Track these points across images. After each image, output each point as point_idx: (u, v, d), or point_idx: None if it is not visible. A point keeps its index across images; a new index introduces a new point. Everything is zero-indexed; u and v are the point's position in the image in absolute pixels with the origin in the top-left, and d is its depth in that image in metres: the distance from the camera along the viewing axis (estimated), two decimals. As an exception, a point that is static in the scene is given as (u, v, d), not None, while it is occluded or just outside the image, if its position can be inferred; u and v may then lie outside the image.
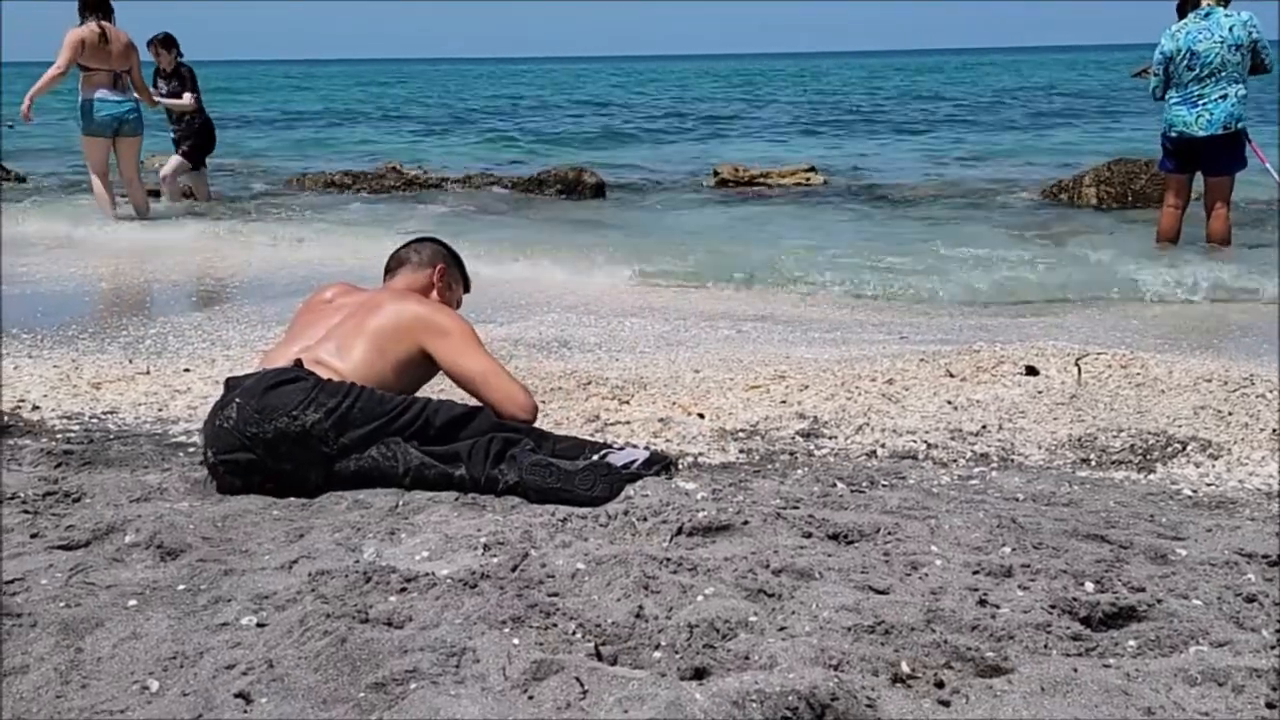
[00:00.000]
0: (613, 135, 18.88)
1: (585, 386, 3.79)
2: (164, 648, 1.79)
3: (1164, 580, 2.07)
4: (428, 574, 2.05)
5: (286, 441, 2.58)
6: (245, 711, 1.59)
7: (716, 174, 11.66)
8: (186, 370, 4.14)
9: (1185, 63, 6.51)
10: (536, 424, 2.91)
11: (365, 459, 2.62)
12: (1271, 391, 3.51)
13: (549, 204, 10.39)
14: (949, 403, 3.55)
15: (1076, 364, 3.92)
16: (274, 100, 33.86)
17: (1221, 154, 6.62)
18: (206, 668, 1.72)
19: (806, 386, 3.78)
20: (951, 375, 3.87)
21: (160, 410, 3.60)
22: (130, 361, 4.30)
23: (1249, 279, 5.98)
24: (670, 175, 12.65)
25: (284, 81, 52.55)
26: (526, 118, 24.19)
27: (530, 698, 1.61)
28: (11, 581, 2.08)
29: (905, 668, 1.70)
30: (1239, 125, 6.52)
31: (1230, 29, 6.45)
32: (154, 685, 1.68)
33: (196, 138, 9.44)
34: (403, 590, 2.00)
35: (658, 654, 1.77)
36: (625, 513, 2.37)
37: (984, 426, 3.32)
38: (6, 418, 3.38)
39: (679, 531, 2.30)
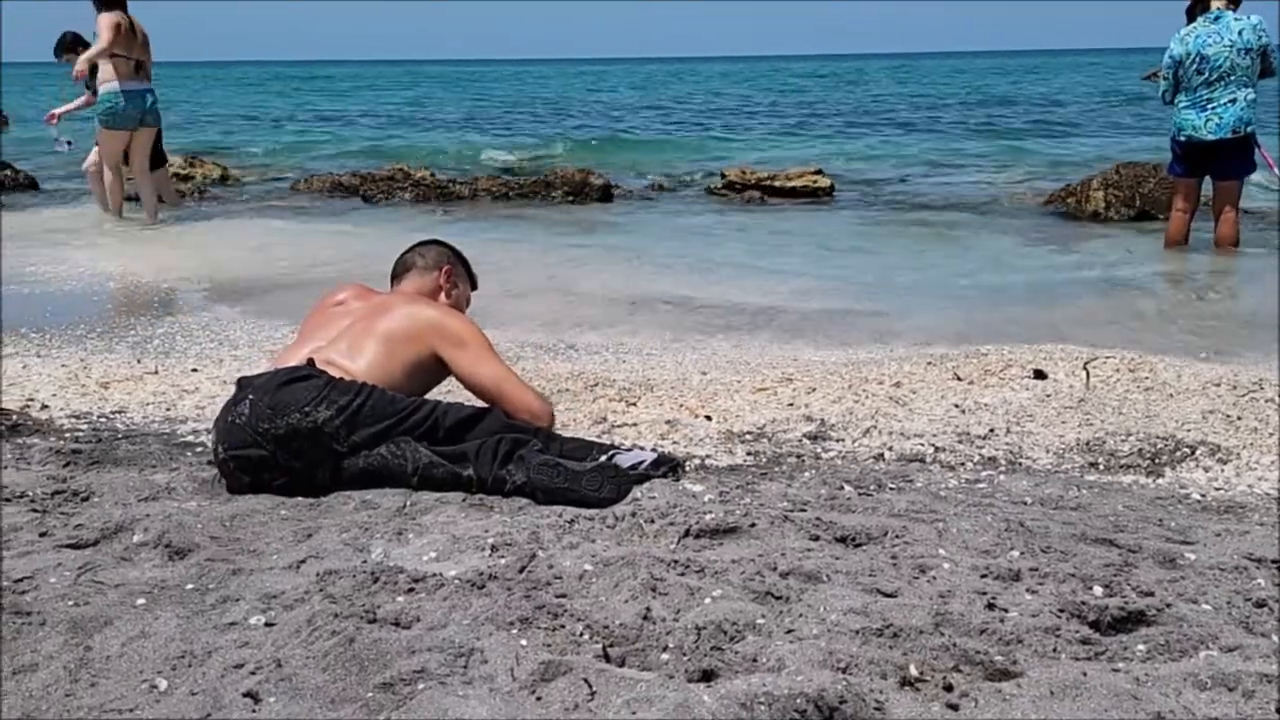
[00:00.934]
0: (616, 135, 18.89)
1: (592, 388, 3.79)
2: (172, 647, 1.79)
3: (1173, 585, 2.06)
4: (435, 574, 2.05)
5: (298, 438, 2.60)
6: (253, 711, 1.59)
7: (724, 176, 11.65)
8: (194, 370, 4.15)
9: (1194, 67, 6.50)
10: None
11: (374, 457, 2.63)
12: (1281, 396, 3.50)
13: (555, 206, 10.39)
14: (956, 406, 3.55)
15: (1085, 367, 3.91)
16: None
17: (1230, 158, 6.60)
18: (215, 667, 1.72)
19: (814, 389, 3.78)
20: (959, 378, 3.86)
21: (168, 410, 3.61)
22: (138, 361, 4.31)
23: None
24: (676, 177, 12.64)
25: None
26: (544, 118, 24.21)
27: (538, 699, 1.61)
28: (20, 580, 2.09)
29: (913, 671, 1.70)
30: (1248, 129, 6.50)
31: (1240, 33, 6.43)
32: (162, 684, 1.69)
33: None
34: (410, 590, 2.00)
35: (665, 656, 1.77)
36: (633, 514, 2.37)
37: (992, 430, 3.31)
38: (15, 416, 3.39)
39: (686, 533, 2.29)
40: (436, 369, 2.95)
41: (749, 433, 3.32)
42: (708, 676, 1.70)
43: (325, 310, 3.11)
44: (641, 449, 2.83)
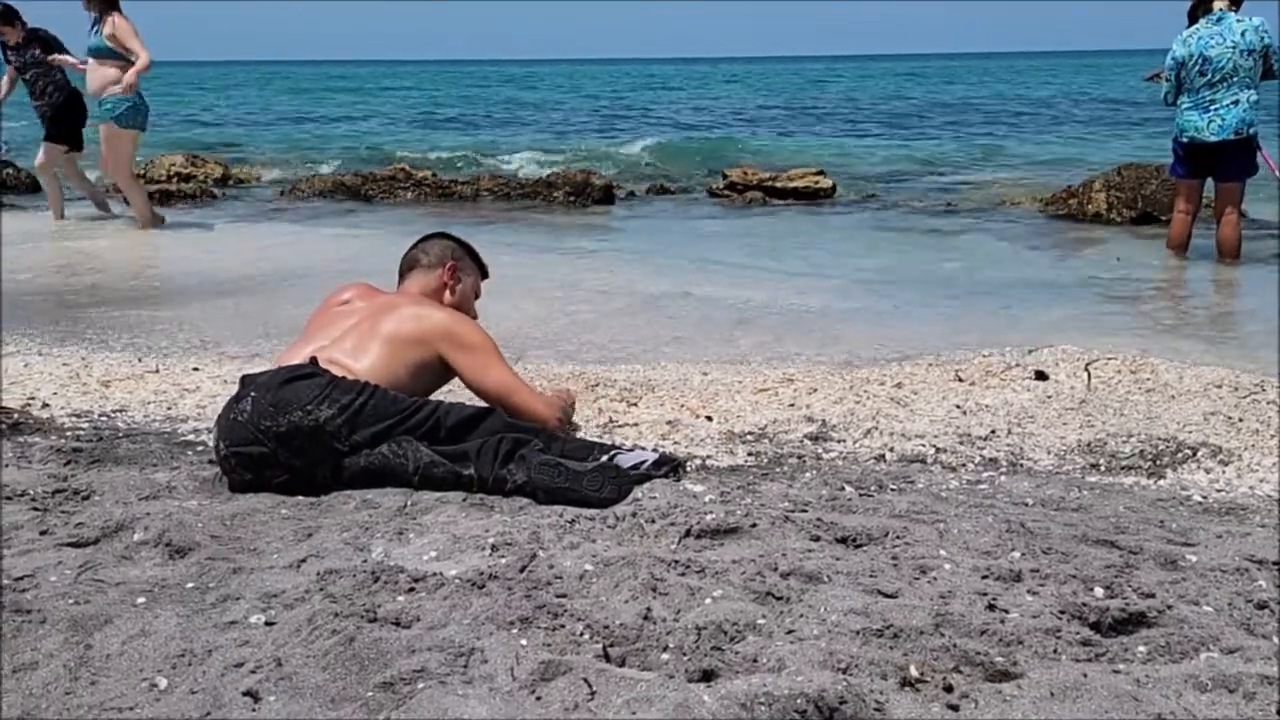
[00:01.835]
0: (620, 136, 18.89)
1: (593, 388, 3.79)
2: (172, 645, 1.79)
3: (1174, 586, 2.06)
4: (436, 574, 2.05)
5: (300, 436, 2.60)
6: (253, 710, 1.59)
7: (725, 177, 11.65)
8: (195, 369, 4.15)
9: (1197, 68, 6.49)
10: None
11: (375, 456, 2.63)
12: (1282, 398, 3.50)
13: (556, 206, 10.40)
14: (958, 407, 3.54)
15: (1086, 369, 3.91)
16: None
17: (1233, 159, 6.60)
18: (215, 666, 1.72)
19: (815, 390, 3.78)
20: (960, 379, 3.86)
21: (169, 409, 3.61)
22: (139, 360, 4.31)
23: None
24: (678, 177, 12.64)
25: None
26: (551, 118, 24.18)
27: (538, 698, 1.61)
28: (21, 578, 2.09)
29: (914, 672, 1.70)
30: (1250, 131, 6.49)
31: (1242, 34, 6.43)
32: (163, 682, 1.69)
33: (62, 111, 8.51)
34: (411, 590, 2.00)
35: (666, 656, 1.77)
36: (633, 514, 2.37)
37: (993, 431, 3.31)
38: (16, 415, 3.39)
39: (687, 534, 2.29)
40: (441, 371, 2.96)
41: (750, 433, 3.32)
42: (708, 676, 1.70)
43: (330, 309, 3.11)
44: (643, 449, 2.83)
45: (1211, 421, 3.34)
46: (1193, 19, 6.64)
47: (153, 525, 2.35)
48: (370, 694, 1.63)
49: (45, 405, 3.60)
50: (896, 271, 6.85)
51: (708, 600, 1.95)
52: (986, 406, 3.54)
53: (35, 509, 2.52)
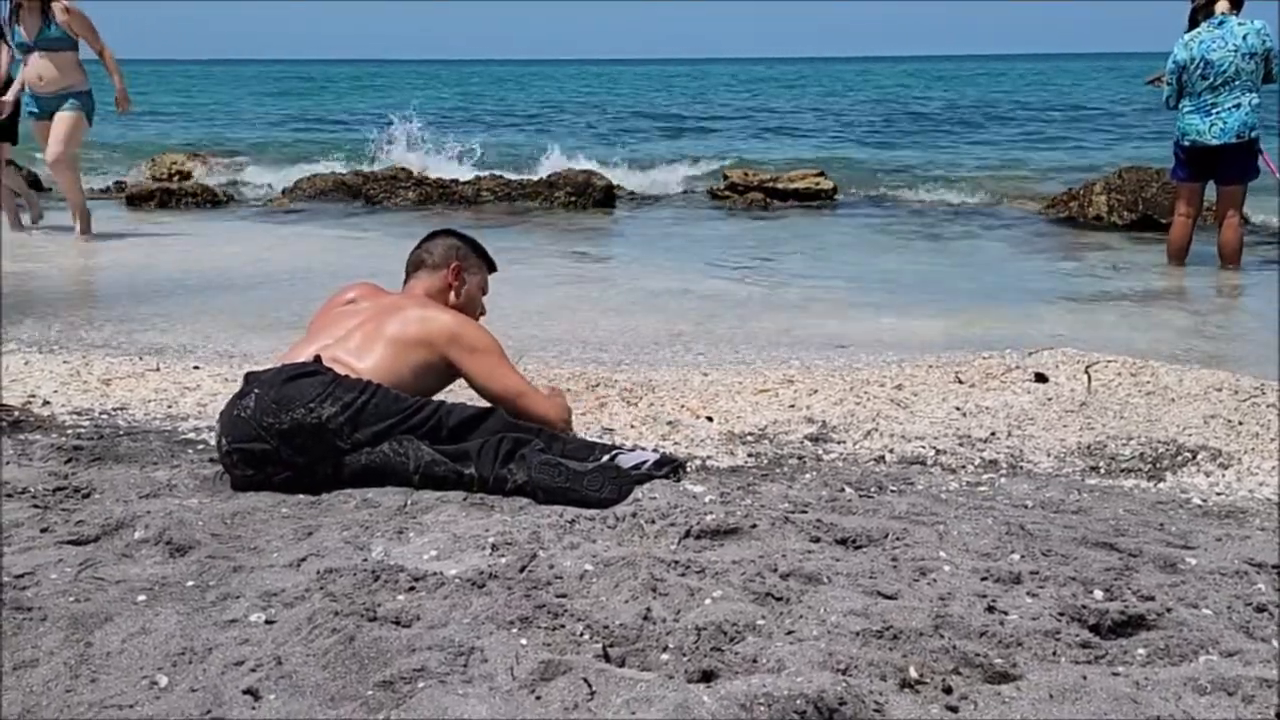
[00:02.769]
0: (623, 136, 18.90)
1: (594, 389, 3.79)
2: (173, 643, 1.79)
3: (1173, 589, 2.06)
4: (436, 573, 2.05)
5: (302, 433, 2.61)
6: (253, 708, 1.60)
7: (726, 177, 11.66)
8: (196, 368, 4.15)
9: (1199, 72, 6.49)
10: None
11: (376, 454, 2.64)
12: (1282, 401, 3.50)
13: (558, 207, 10.40)
14: (958, 409, 3.55)
15: (1086, 371, 3.91)
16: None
17: (1234, 163, 6.60)
18: (215, 664, 1.72)
19: (815, 391, 3.78)
20: (960, 381, 3.86)
21: (170, 407, 3.61)
22: (140, 358, 4.31)
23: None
24: (680, 178, 12.63)
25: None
26: (551, 119, 24.14)
27: (538, 698, 1.61)
28: (21, 576, 2.09)
29: (913, 673, 1.70)
30: (1252, 134, 6.50)
31: (1244, 37, 6.43)
32: (163, 680, 1.69)
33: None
34: (411, 589, 2.00)
35: (665, 656, 1.77)
36: (633, 515, 2.37)
37: (993, 433, 3.31)
38: (17, 412, 3.40)
39: (687, 534, 2.29)
40: (444, 373, 2.96)
41: (750, 434, 3.32)
42: (708, 677, 1.70)
43: (334, 308, 3.11)
44: (643, 449, 2.83)
45: (1211, 425, 3.34)
46: (1194, 22, 6.64)
47: (153, 523, 2.36)
48: (370, 693, 1.63)
49: (46, 403, 3.60)
50: (897, 273, 6.86)
51: (707, 601, 1.95)
52: (986, 408, 3.54)
53: (36, 506, 2.52)
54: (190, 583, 2.07)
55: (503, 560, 2.14)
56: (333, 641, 1.74)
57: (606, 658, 1.76)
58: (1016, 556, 2.20)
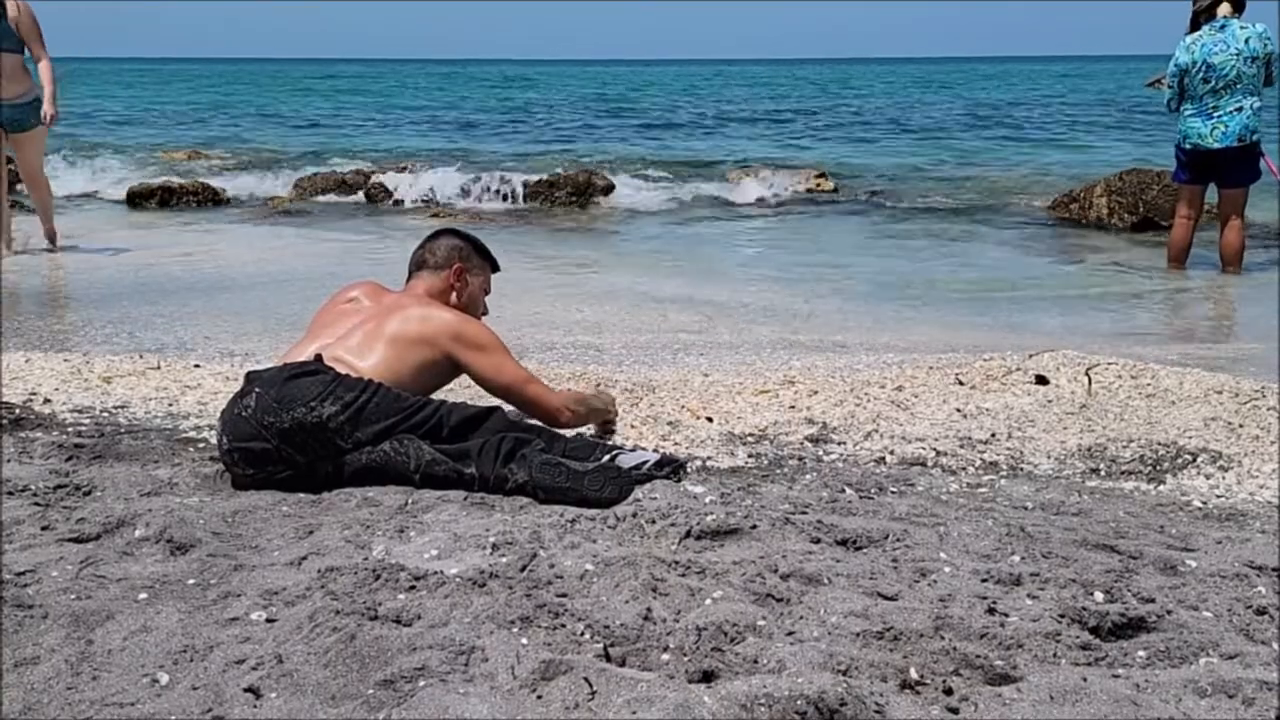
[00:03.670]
0: (623, 136, 18.91)
1: (595, 389, 3.79)
2: (174, 641, 1.80)
3: (1174, 591, 2.07)
4: (436, 572, 2.05)
5: (302, 432, 2.61)
6: (254, 706, 1.60)
7: (727, 178, 11.67)
8: (197, 366, 4.15)
9: (1201, 75, 6.49)
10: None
11: (377, 453, 2.64)
12: (1283, 404, 3.50)
13: (558, 208, 10.40)
14: (958, 410, 3.55)
15: (1087, 373, 3.91)
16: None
17: (1236, 166, 6.60)
18: (216, 662, 1.73)
19: (816, 392, 3.78)
20: (961, 383, 3.86)
21: (171, 405, 3.61)
22: (141, 356, 4.31)
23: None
24: (682, 177, 12.64)
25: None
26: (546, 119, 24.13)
27: (539, 697, 1.61)
28: (22, 574, 2.09)
29: (914, 674, 1.70)
30: (1254, 137, 6.50)
31: (1246, 41, 6.43)
32: (164, 678, 1.69)
33: None
34: (412, 588, 2.00)
35: (666, 656, 1.77)
36: (634, 515, 2.37)
37: (993, 435, 3.31)
38: (18, 410, 3.40)
39: (687, 534, 2.30)
40: (445, 372, 2.96)
41: (751, 435, 3.32)
42: (708, 677, 1.70)
43: (336, 307, 3.11)
44: (644, 450, 2.83)
45: (1212, 427, 3.34)
46: (1195, 25, 6.64)
47: (154, 521, 2.36)
48: (371, 691, 1.63)
49: (47, 401, 3.60)
50: (897, 275, 6.86)
51: (708, 601, 1.95)
52: (987, 410, 3.54)
53: (37, 504, 2.52)
54: (191, 581, 2.07)
55: (503, 560, 2.15)
56: (333, 640, 1.74)
57: (607, 657, 1.76)
58: (1017, 558, 2.21)
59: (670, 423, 3.40)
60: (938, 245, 8.21)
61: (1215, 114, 6.49)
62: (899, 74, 63.66)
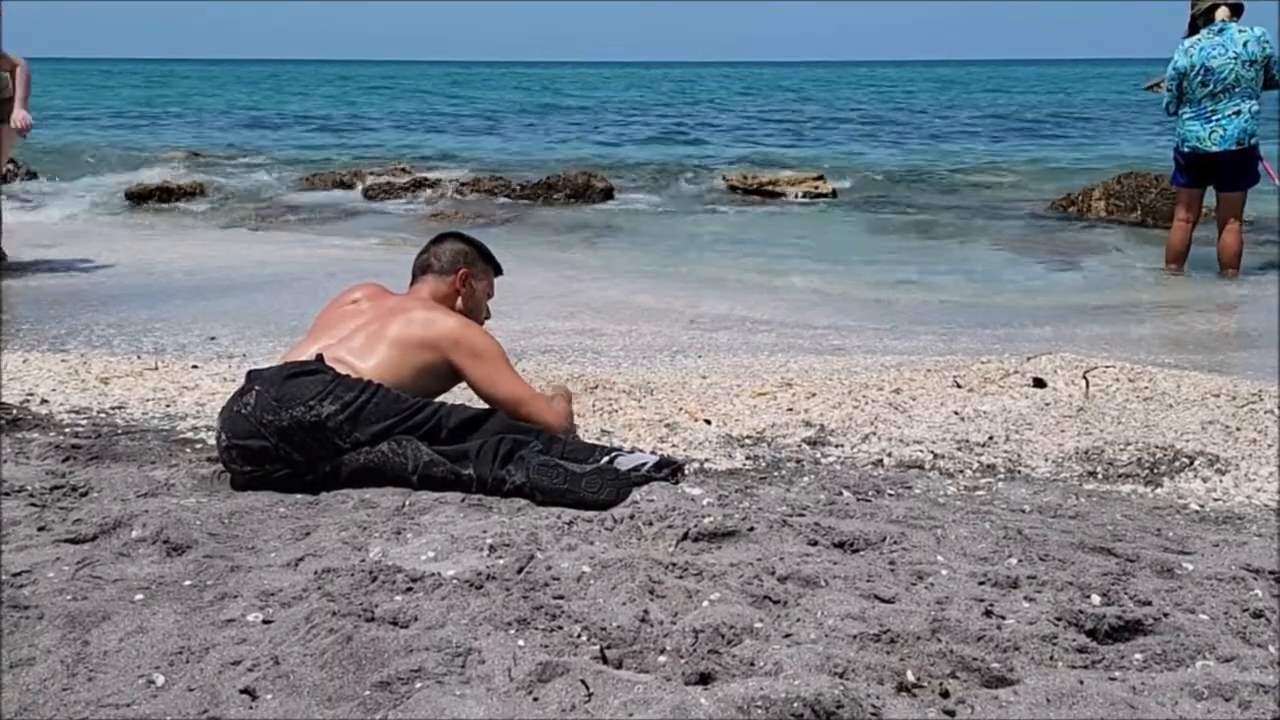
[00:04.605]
0: (623, 137, 18.92)
1: (593, 390, 3.79)
2: (170, 643, 1.79)
3: (1170, 594, 2.07)
4: (433, 574, 2.05)
5: (301, 431, 2.61)
6: (250, 707, 1.60)
7: (726, 180, 11.67)
8: (195, 367, 4.15)
9: (1199, 79, 6.50)
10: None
11: (375, 454, 2.64)
12: (1280, 408, 3.50)
13: (558, 209, 10.41)
14: (956, 413, 3.55)
15: (1084, 376, 3.91)
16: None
17: (1234, 170, 6.61)
18: (212, 663, 1.72)
19: (814, 394, 3.78)
20: (959, 386, 3.86)
21: (168, 406, 3.61)
22: (139, 357, 4.31)
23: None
24: (681, 179, 12.64)
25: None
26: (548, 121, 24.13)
27: (535, 699, 1.61)
28: (19, 574, 2.09)
29: (910, 677, 1.70)
30: (1252, 141, 6.50)
31: (1244, 44, 6.44)
32: (160, 679, 1.69)
33: None
34: (408, 590, 2.00)
35: (663, 658, 1.77)
36: (631, 517, 2.37)
37: (991, 437, 3.31)
38: (15, 411, 3.39)
39: (685, 537, 2.30)
40: (446, 376, 2.96)
41: (748, 437, 3.32)
42: (705, 679, 1.70)
43: (339, 307, 3.12)
44: (642, 452, 2.83)
45: (1209, 430, 3.34)
46: (1194, 29, 6.65)
47: (151, 522, 2.35)
48: (367, 693, 1.63)
49: (44, 401, 3.59)
50: (896, 275, 6.86)
51: (705, 603, 1.95)
52: (984, 413, 3.54)
53: (33, 505, 2.52)
54: (188, 582, 2.07)
55: (500, 561, 2.15)
56: (330, 641, 1.74)
57: (604, 659, 1.76)
58: (1014, 561, 2.21)
59: (668, 425, 3.40)
60: (936, 245, 8.21)
61: (1214, 117, 6.50)
62: (899, 75, 63.75)
